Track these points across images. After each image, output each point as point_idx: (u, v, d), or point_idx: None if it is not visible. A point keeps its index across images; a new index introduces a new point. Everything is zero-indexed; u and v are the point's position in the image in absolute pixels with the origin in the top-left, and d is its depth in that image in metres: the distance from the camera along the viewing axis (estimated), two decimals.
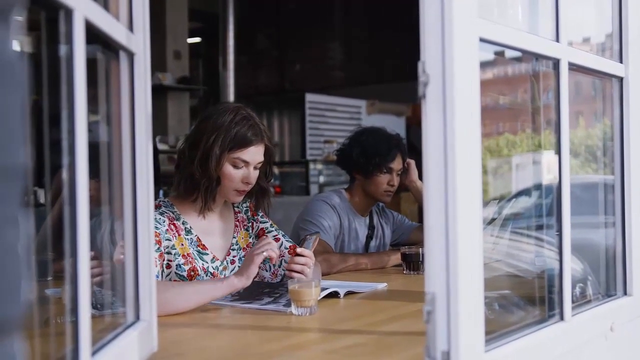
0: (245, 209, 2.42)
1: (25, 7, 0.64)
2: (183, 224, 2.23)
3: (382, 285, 2.35)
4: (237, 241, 2.36)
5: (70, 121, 1.01)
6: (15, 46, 0.59)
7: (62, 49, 1.02)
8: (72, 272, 1.01)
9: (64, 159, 1.02)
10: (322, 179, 7.49)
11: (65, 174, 1.01)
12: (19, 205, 0.57)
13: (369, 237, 3.14)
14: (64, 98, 1.01)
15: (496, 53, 1.49)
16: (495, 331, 1.33)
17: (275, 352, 1.51)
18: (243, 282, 1.97)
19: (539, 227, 1.96)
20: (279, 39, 10.24)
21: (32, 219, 0.63)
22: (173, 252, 2.14)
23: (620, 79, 1.82)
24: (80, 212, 1.01)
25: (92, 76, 1.08)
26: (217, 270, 2.26)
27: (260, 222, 2.42)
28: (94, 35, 1.11)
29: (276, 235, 2.40)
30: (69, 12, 1.00)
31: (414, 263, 2.65)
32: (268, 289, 2.12)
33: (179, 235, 2.19)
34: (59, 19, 1.01)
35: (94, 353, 1.08)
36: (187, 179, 2.20)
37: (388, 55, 9.24)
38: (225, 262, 2.30)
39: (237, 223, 2.38)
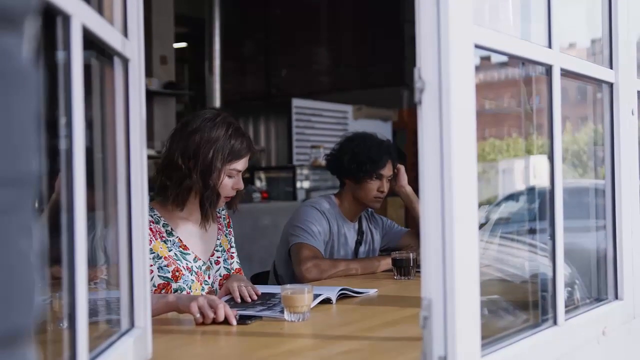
0: (223, 216, 2.50)
1: (37, 15, 0.64)
2: (164, 226, 2.27)
3: (373, 291, 2.35)
4: (220, 243, 2.43)
5: (68, 127, 1.00)
6: (28, 54, 0.59)
7: (59, 55, 1.01)
8: (69, 280, 1.00)
9: (59, 165, 1.01)
10: (309, 184, 7.48)
11: (62, 180, 1.00)
12: (32, 213, 0.57)
13: (358, 243, 3.13)
14: (62, 103, 1.00)
15: (482, 58, 1.49)
16: (490, 336, 1.34)
17: (271, 359, 1.51)
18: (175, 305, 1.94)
19: (528, 232, 1.97)
20: (265, 44, 10.23)
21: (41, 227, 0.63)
22: (152, 255, 2.16)
23: (611, 85, 1.83)
24: (78, 218, 1.01)
25: (85, 82, 1.08)
26: (201, 269, 2.31)
27: (232, 235, 2.52)
28: (89, 41, 1.11)
29: (233, 252, 2.50)
30: (66, 18, 0.99)
31: (404, 268, 2.65)
32: (260, 300, 2.12)
33: (157, 239, 2.23)
34: (56, 25, 1.00)
35: None
36: (185, 191, 2.25)
37: (374, 61, 9.27)
38: (209, 263, 2.35)
39: (220, 226, 2.46)
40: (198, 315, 1.83)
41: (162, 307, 1.96)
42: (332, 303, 2.12)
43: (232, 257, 2.49)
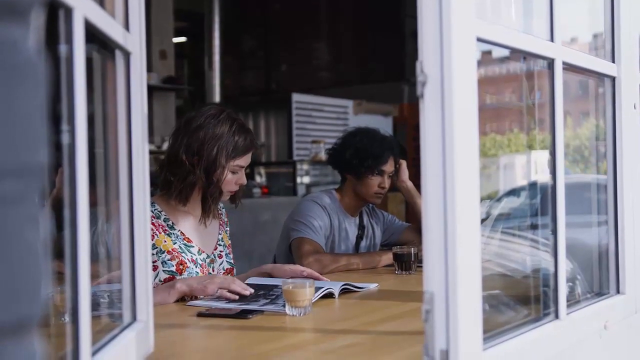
0: (223, 213, 2.54)
1: (42, 7, 0.64)
2: (165, 220, 2.29)
3: (374, 286, 2.36)
4: (222, 238, 2.46)
5: (70, 121, 1.00)
6: (34, 45, 0.59)
7: (62, 48, 1.01)
8: (72, 274, 1.00)
9: (62, 159, 1.01)
10: (309, 179, 7.48)
11: (65, 175, 1.00)
12: (38, 204, 0.57)
13: (359, 238, 3.14)
14: (64, 97, 1.00)
15: (483, 52, 1.49)
16: (492, 330, 1.34)
17: (272, 353, 1.51)
18: (182, 289, 2.07)
19: (530, 227, 1.97)
20: (265, 39, 10.23)
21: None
22: (154, 250, 2.18)
23: (613, 79, 1.83)
24: (80, 212, 1.00)
25: (87, 75, 1.07)
26: (205, 262, 2.34)
27: (228, 233, 2.55)
28: (91, 34, 1.10)
29: (228, 252, 2.51)
30: (68, 11, 0.99)
31: (405, 263, 2.65)
32: (262, 291, 2.12)
33: (160, 233, 2.24)
34: (57, 18, 1.00)
35: (93, 354, 1.07)
36: (188, 187, 2.27)
37: (374, 56, 9.27)
38: (212, 256, 2.38)
39: (221, 222, 2.49)
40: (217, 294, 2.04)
41: (174, 296, 2.06)
42: (334, 297, 2.12)
43: (219, 257, 2.50)
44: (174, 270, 2.22)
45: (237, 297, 2.03)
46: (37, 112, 0.58)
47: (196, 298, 2.08)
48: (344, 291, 2.21)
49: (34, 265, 0.56)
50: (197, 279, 2.10)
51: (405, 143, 7.84)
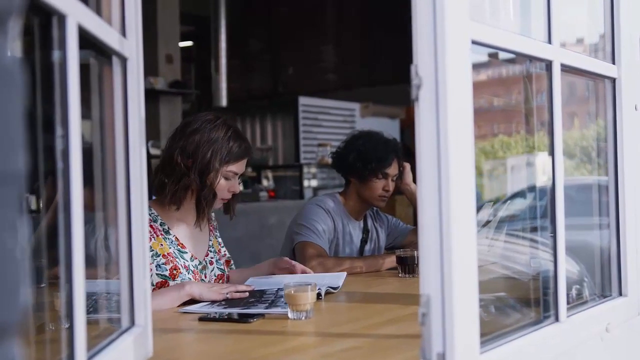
0: (212, 219, 2.55)
1: (22, 13, 0.65)
2: (161, 225, 2.31)
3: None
4: (212, 244, 2.48)
5: (64, 127, 1.00)
6: (14, 52, 0.59)
7: (55, 55, 1.01)
8: (67, 279, 1.01)
9: (58, 165, 1.02)
10: (316, 182, 7.47)
11: (59, 180, 1.01)
12: (17, 210, 0.58)
13: (364, 241, 3.13)
14: (58, 103, 1.01)
15: (490, 55, 1.49)
16: (490, 333, 1.33)
17: (272, 356, 1.51)
18: (192, 291, 2.10)
19: (534, 229, 1.96)
20: (271, 42, 10.24)
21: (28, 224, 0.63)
22: (150, 253, 2.19)
23: (613, 80, 1.82)
24: (75, 218, 1.01)
25: (84, 81, 1.08)
26: (197, 268, 2.36)
27: (219, 237, 2.56)
28: (86, 40, 1.11)
29: (225, 251, 2.56)
30: (62, 18, 0.99)
31: (409, 266, 2.65)
32: (253, 299, 2.12)
33: (158, 236, 2.27)
34: (51, 24, 1.01)
35: (90, 358, 1.08)
36: (183, 189, 2.29)
37: (381, 58, 9.26)
38: (204, 262, 2.40)
39: (211, 228, 2.51)
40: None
41: (183, 298, 2.09)
42: (321, 299, 2.13)
43: (224, 255, 2.54)
44: (167, 275, 2.23)
45: (247, 294, 2.15)
46: (16, 120, 0.58)
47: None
48: (329, 290, 2.24)
49: (12, 270, 0.56)
50: (206, 285, 2.16)
51: (412, 146, 7.83)
